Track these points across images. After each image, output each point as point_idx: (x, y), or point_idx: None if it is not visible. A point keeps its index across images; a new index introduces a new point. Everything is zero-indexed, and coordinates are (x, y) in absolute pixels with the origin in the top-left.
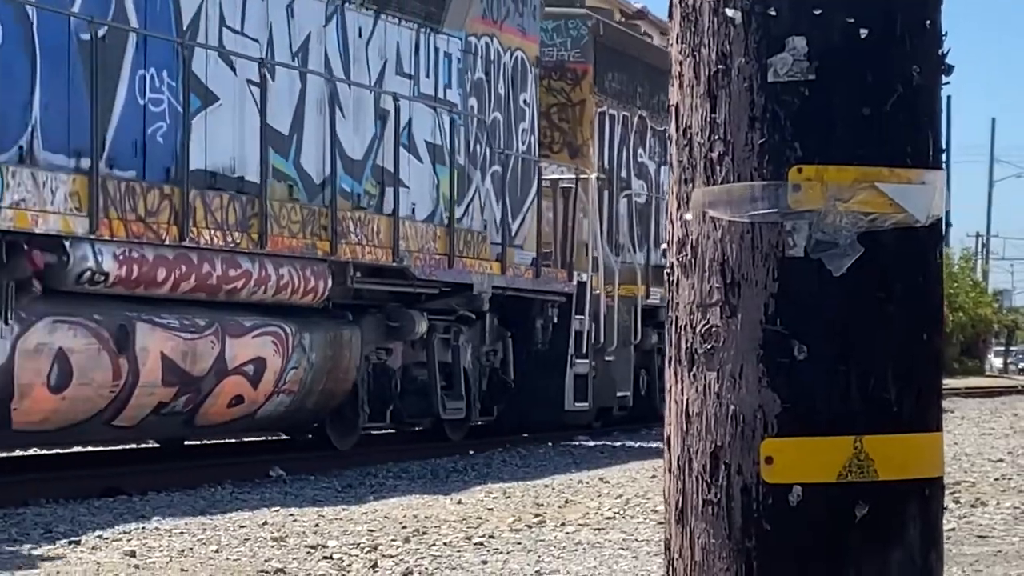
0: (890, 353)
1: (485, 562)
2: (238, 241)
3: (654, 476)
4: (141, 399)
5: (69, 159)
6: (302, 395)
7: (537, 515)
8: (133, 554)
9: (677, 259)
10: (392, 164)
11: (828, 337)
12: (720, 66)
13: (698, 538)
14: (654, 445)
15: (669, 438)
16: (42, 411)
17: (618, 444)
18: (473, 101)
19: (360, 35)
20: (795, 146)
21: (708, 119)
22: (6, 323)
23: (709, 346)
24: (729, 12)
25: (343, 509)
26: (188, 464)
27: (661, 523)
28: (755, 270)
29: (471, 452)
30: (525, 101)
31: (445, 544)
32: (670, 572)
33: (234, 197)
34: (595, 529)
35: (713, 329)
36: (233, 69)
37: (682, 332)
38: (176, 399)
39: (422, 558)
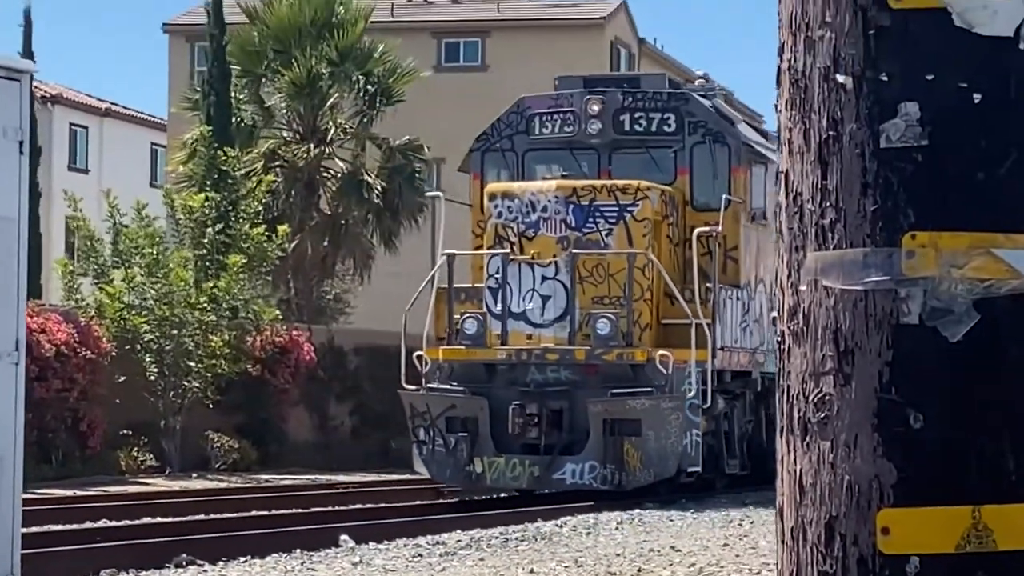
0: (1007, 421)
1: None
2: None
3: (725, 544)
4: None
5: None
6: None
7: None
8: None
9: (788, 327)
10: None
11: (944, 405)
12: (831, 132)
13: None
14: (722, 512)
15: (782, 509)
16: None
17: (688, 512)
18: None
19: None
20: (908, 212)
21: (819, 185)
22: None
23: (823, 415)
24: (840, 78)
25: None
26: (259, 531)
27: None
28: (869, 338)
29: (538, 520)
30: None
31: None
32: None
33: None
34: None
35: (827, 398)
36: None
37: (794, 401)
38: None
39: None
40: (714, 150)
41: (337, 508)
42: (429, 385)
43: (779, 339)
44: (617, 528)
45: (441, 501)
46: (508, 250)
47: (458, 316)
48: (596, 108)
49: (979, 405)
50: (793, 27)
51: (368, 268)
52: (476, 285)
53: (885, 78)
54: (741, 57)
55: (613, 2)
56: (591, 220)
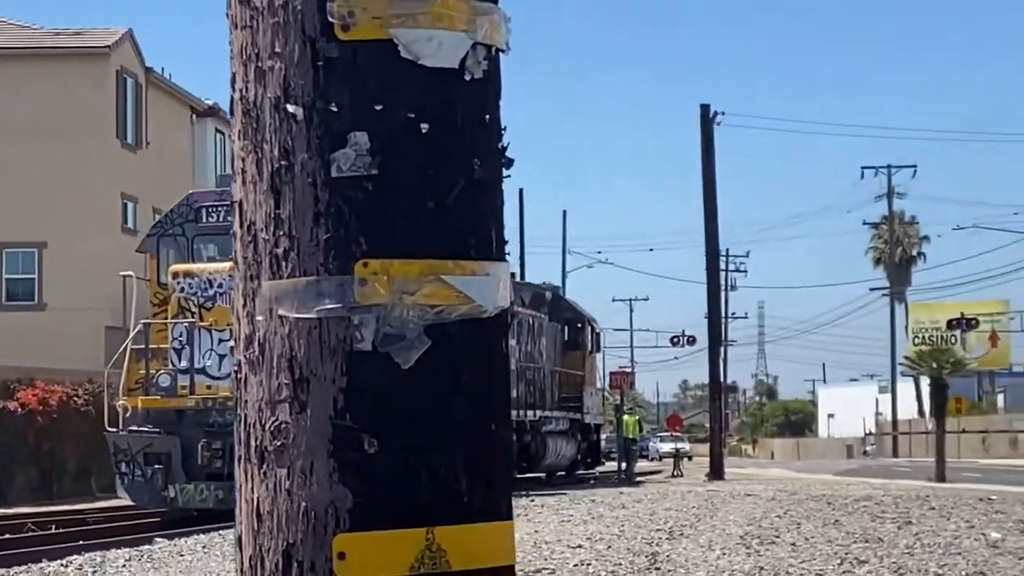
0: (459, 444)
1: None
2: None
3: None
4: None
5: None
6: None
7: None
8: None
9: (245, 356)
10: None
11: (398, 430)
12: (283, 162)
13: None
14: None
15: (240, 538)
16: None
17: (199, 546)
18: None
19: None
20: (360, 241)
21: (272, 215)
22: None
23: (279, 443)
24: (291, 108)
25: None
26: None
27: None
28: (323, 365)
29: (44, 560)
30: None
31: None
32: None
33: None
34: None
35: (283, 426)
36: None
37: (251, 430)
38: None
39: None
40: None
41: None
42: (130, 427)
43: (236, 368)
44: (125, 565)
45: None
46: (191, 319)
47: (153, 372)
48: None
49: (432, 429)
50: (244, 57)
51: None
52: (161, 346)
53: (335, 108)
54: None
55: (118, 31)
56: None
